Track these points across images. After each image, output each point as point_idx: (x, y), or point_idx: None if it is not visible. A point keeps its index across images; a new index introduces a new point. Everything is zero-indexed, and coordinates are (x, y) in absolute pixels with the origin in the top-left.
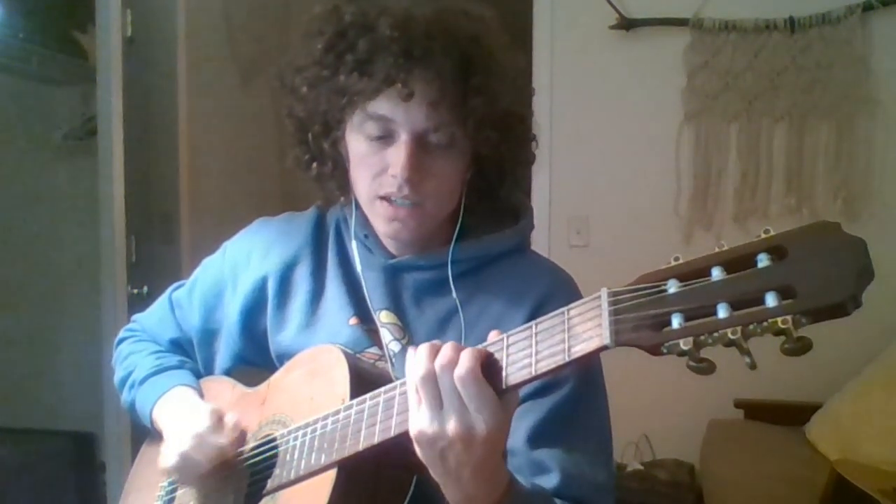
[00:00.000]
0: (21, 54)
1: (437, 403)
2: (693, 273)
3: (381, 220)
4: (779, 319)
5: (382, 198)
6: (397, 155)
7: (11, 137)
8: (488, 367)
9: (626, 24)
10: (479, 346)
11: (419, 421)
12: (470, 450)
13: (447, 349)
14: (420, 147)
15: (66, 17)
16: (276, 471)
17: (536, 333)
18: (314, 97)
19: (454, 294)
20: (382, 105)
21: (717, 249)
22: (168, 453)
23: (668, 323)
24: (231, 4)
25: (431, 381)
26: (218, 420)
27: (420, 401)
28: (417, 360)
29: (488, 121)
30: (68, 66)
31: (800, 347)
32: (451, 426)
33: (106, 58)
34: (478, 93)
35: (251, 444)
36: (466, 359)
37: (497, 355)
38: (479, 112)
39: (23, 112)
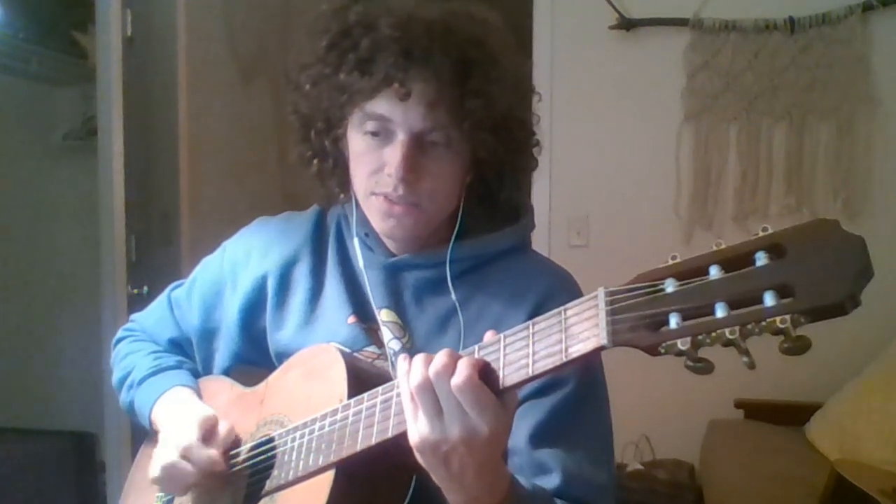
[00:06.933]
0: (21, 54)
1: (437, 410)
2: (691, 272)
3: (378, 217)
4: (777, 319)
5: (378, 194)
6: (393, 154)
7: (11, 137)
8: (485, 371)
9: (626, 24)
10: (476, 347)
11: (420, 429)
12: (473, 452)
13: (441, 356)
14: (417, 147)
15: (66, 17)
16: (275, 471)
17: (534, 333)
18: (317, 94)
19: (452, 294)
20: (381, 104)
21: (714, 248)
22: (154, 465)
23: (666, 322)
24: (231, 4)
25: (428, 389)
26: (209, 430)
27: (417, 409)
28: (413, 369)
29: (486, 124)
30: (68, 66)
31: (798, 347)
32: (454, 431)
33: (106, 58)
34: (476, 95)
35: (249, 445)
36: (463, 367)
37: (494, 355)
38: (476, 114)
39: (23, 112)
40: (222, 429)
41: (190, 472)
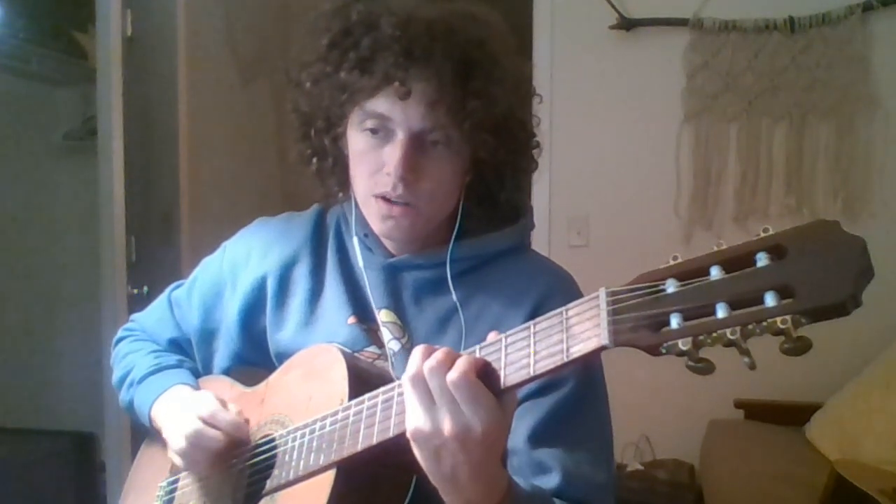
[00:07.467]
0: (21, 54)
1: (430, 401)
2: (692, 272)
3: (376, 218)
4: (778, 319)
5: (378, 196)
6: (393, 153)
7: (11, 137)
8: (484, 370)
9: (626, 25)
10: (477, 346)
11: (414, 418)
12: (465, 449)
13: (439, 353)
14: (416, 147)
15: (66, 17)
16: (275, 471)
17: (535, 333)
18: (317, 93)
19: (453, 294)
20: (381, 103)
21: (715, 248)
22: (176, 437)
23: (667, 323)
24: (231, 4)
25: (420, 381)
26: (223, 403)
27: (413, 398)
28: (411, 359)
29: (486, 124)
30: (68, 66)
31: (799, 347)
32: (446, 425)
33: (106, 58)
34: (477, 96)
35: (250, 444)
36: (461, 363)
37: (495, 355)
38: (476, 115)
39: (23, 112)
40: (232, 408)
41: (216, 435)
